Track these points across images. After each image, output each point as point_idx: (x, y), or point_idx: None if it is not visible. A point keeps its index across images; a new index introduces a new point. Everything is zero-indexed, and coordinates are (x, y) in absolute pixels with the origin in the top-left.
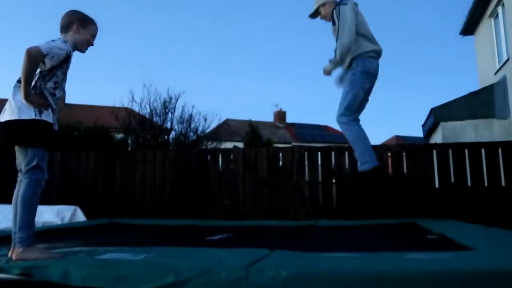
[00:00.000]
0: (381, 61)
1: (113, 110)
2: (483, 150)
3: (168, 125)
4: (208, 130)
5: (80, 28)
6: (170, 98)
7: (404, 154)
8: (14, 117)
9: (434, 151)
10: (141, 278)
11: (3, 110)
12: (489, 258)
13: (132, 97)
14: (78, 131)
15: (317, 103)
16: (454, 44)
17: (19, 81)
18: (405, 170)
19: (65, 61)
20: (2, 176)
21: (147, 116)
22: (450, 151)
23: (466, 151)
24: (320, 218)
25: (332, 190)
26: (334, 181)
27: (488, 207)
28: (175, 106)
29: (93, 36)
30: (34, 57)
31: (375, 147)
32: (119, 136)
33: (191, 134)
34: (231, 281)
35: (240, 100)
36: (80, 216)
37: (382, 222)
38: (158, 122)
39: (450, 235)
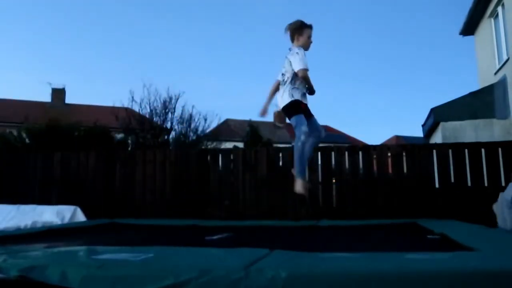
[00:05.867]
0: (381, 60)
1: (113, 110)
2: (483, 150)
3: (168, 125)
4: (208, 130)
5: (299, 36)
6: (170, 98)
7: (404, 154)
8: (291, 99)
9: (434, 151)
10: (140, 279)
11: (281, 100)
12: (490, 258)
13: (132, 97)
14: (78, 131)
15: (317, 103)
16: (454, 44)
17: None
18: (405, 170)
19: None
20: (1, 177)
21: (147, 116)
22: (450, 151)
23: (466, 151)
24: (320, 218)
25: (332, 190)
26: (334, 181)
27: (488, 207)
28: (175, 106)
29: (309, 37)
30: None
31: (375, 147)
32: (119, 136)
33: (191, 134)
34: (230, 281)
35: (240, 100)
36: (80, 216)
37: (382, 222)
38: (158, 122)
39: (450, 235)
